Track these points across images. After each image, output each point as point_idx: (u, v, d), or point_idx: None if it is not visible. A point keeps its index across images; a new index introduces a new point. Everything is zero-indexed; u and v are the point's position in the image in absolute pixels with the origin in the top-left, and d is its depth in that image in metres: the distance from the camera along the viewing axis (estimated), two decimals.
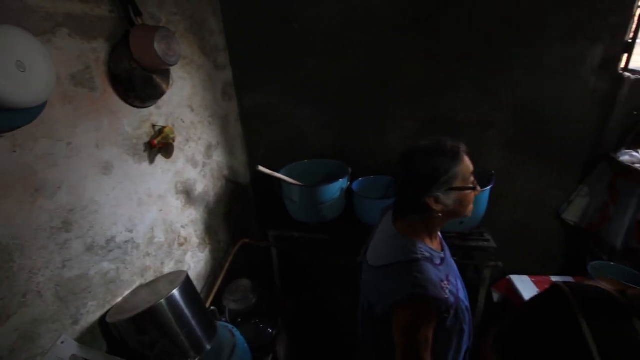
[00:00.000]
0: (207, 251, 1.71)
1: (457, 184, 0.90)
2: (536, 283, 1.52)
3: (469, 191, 0.92)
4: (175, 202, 1.48)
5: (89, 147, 1.12)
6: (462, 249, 1.71)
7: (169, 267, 1.46)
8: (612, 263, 1.45)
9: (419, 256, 0.90)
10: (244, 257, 1.90)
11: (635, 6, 1.52)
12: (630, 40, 1.57)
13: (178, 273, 1.32)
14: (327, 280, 2.04)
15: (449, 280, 0.93)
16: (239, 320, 1.60)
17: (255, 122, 2.00)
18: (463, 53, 1.67)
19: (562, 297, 0.57)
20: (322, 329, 1.85)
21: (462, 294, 0.99)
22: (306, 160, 1.90)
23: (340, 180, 1.68)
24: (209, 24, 1.69)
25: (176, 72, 1.46)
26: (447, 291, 0.90)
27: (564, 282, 0.61)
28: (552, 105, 1.71)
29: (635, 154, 1.52)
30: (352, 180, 1.78)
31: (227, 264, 1.73)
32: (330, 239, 1.73)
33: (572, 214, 1.83)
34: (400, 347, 0.89)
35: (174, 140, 1.37)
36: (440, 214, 0.92)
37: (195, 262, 1.63)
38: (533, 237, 1.99)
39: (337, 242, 1.71)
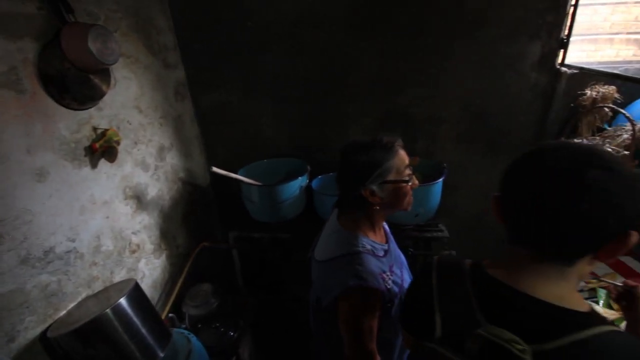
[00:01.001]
0: (163, 257, 1.66)
1: (391, 177, 0.92)
2: None
3: (403, 184, 0.94)
4: (124, 208, 1.42)
5: (18, 153, 1.05)
6: (420, 240, 1.77)
7: (120, 276, 1.40)
8: None
9: (360, 249, 0.92)
10: (206, 261, 1.86)
11: (569, 5, 1.62)
12: (565, 37, 1.67)
13: (127, 281, 1.27)
14: (291, 278, 2.04)
15: (392, 271, 0.96)
16: (199, 325, 1.56)
17: (212, 122, 1.96)
18: (415, 50, 1.72)
19: (430, 264, 0.69)
20: (285, 327, 1.85)
21: (407, 284, 1.02)
22: (265, 160, 1.88)
23: (300, 178, 1.68)
24: (156, 22, 1.63)
25: (119, 71, 1.40)
26: (389, 282, 0.93)
27: (441, 255, 0.73)
28: (497, 100, 1.79)
29: None
30: (312, 178, 1.79)
31: (186, 269, 1.68)
32: (291, 238, 1.73)
33: None
34: (346, 338, 0.91)
35: (118, 143, 1.31)
36: (377, 207, 0.95)
37: (150, 269, 1.57)
38: (487, 224, 2.08)
39: (299, 240, 1.71)
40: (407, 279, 1.05)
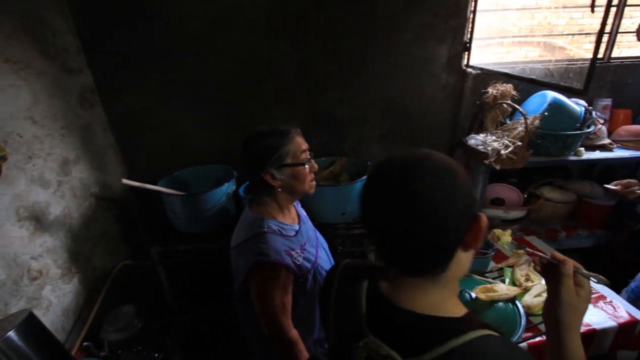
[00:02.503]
0: (75, 281, 1.51)
1: (288, 161, 1.01)
2: None
3: (300, 167, 1.02)
4: (19, 231, 1.27)
5: None
6: (350, 238, 1.81)
7: (17, 307, 1.24)
8: None
9: (265, 229, 0.98)
10: (129, 281, 1.73)
11: (469, 11, 1.77)
12: (467, 41, 1.82)
13: (20, 312, 1.13)
14: (225, 288, 1.97)
15: (304, 249, 1.04)
16: (120, 351, 1.44)
17: (129, 130, 1.82)
18: (335, 53, 1.76)
19: (336, 268, 0.70)
20: (224, 339, 1.78)
21: (322, 261, 1.10)
22: (190, 168, 1.80)
23: (225, 184, 1.63)
24: (52, 23, 1.48)
25: (4, 79, 1.24)
26: (299, 259, 1.00)
27: (349, 260, 0.72)
28: (415, 100, 1.90)
29: (478, 137, 1.78)
30: (241, 183, 1.75)
31: (104, 292, 1.55)
32: (221, 247, 1.67)
33: None
34: (261, 316, 0.95)
35: (4, 159, 1.17)
36: (280, 189, 1.03)
37: (58, 296, 1.42)
38: None
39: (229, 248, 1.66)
40: (322, 256, 1.12)
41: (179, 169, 1.79)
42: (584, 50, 4.14)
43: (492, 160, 1.57)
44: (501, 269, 1.54)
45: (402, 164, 0.53)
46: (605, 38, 2.18)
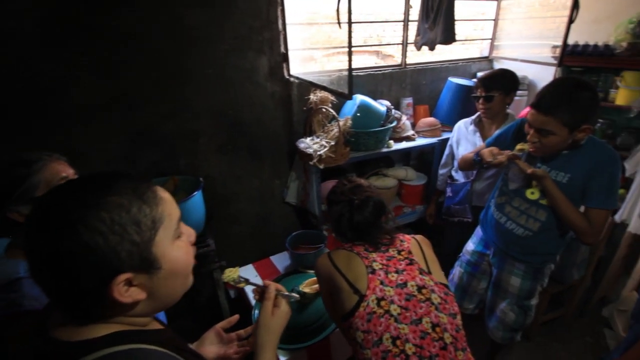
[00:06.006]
0: None
1: (40, 193, 0.88)
2: (257, 267, 1.69)
3: None
4: None
5: None
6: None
7: None
8: (306, 231, 1.78)
9: (22, 275, 0.85)
10: None
11: (279, 24, 1.88)
12: (284, 52, 1.94)
13: None
14: None
15: None
16: None
17: None
18: (146, 65, 1.63)
19: None
20: None
21: None
22: None
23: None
24: None
25: None
26: None
27: None
28: (247, 109, 1.93)
29: (306, 140, 1.92)
30: None
31: None
32: None
33: (291, 197, 2.17)
34: None
35: None
36: None
37: None
38: (273, 223, 2.26)
39: None
40: None
41: None
42: (407, 57, 5.00)
43: (316, 160, 1.71)
44: None
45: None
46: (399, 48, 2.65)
